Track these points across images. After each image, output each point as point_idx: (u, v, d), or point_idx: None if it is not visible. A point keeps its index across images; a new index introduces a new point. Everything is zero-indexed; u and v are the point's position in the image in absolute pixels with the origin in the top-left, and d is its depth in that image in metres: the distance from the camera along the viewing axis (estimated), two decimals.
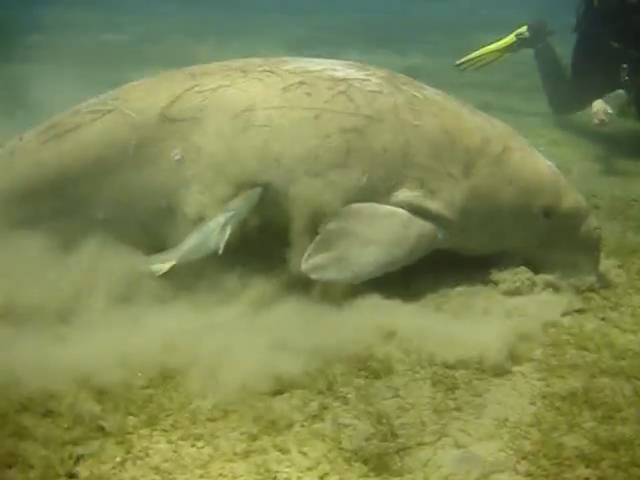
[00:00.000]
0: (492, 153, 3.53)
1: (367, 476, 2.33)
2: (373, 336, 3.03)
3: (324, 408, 2.63)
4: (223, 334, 2.93)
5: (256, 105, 3.36)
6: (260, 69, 3.50)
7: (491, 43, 7.45)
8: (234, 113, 3.34)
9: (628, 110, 6.01)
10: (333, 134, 3.34)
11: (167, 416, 2.54)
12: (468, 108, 3.71)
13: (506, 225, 3.58)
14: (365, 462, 2.38)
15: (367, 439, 2.48)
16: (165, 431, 2.47)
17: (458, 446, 2.48)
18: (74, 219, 3.29)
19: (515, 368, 2.97)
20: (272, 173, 3.30)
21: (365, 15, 14.74)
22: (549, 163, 3.74)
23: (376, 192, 3.39)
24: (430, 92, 3.65)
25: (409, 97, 3.52)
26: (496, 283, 3.53)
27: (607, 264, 3.88)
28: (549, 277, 3.58)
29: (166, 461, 2.33)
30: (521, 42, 7.24)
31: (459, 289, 3.44)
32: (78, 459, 2.29)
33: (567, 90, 6.89)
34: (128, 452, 2.35)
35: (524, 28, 7.24)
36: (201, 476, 2.28)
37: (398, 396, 2.74)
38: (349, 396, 2.71)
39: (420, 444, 2.49)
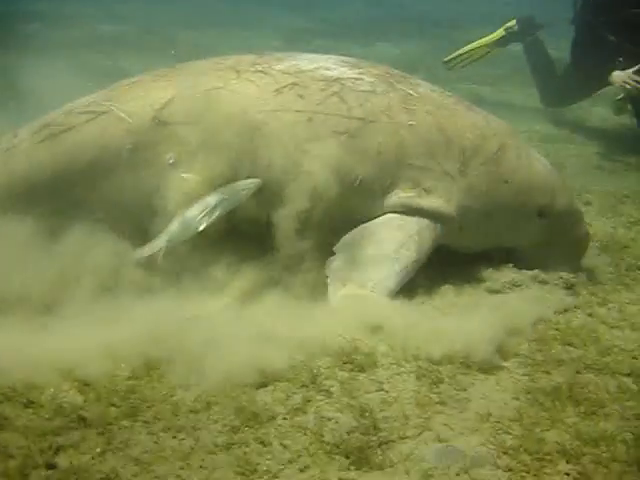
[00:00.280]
0: (488, 151, 3.52)
1: (348, 469, 2.33)
2: (359, 330, 3.02)
3: (307, 401, 2.63)
4: (209, 325, 2.93)
5: (249, 108, 3.34)
6: (253, 69, 3.47)
7: (480, 38, 7.42)
8: (227, 117, 3.31)
9: (623, 106, 5.99)
10: (326, 137, 3.31)
11: (149, 407, 2.53)
12: (464, 104, 3.69)
13: (501, 223, 3.58)
14: (346, 455, 2.37)
15: (349, 432, 2.47)
16: (147, 422, 2.46)
17: (440, 440, 2.48)
18: (70, 219, 3.27)
19: (501, 363, 2.97)
20: (265, 177, 3.28)
21: (366, 8, 14.69)
22: (545, 162, 3.73)
23: (370, 194, 3.39)
24: (425, 89, 3.62)
25: (403, 95, 3.49)
26: (484, 279, 3.53)
27: (597, 260, 3.90)
28: (538, 274, 3.58)
29: (146, 452, 2.32)
30: (510, 36, 7.23)
31: (447, 284, 3.44)
32: (58, 449, 2.29)
33: (558, 83, 6.90)
34: (109, 443, 2.35)
35: (513, 22, 7.24)
36: (181, 468, 2.28)
37: (382, 390, 2.73)
38: (333, 389, 2.70)
39: (402, 438, 2.48)
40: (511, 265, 3.58)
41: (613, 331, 3.29)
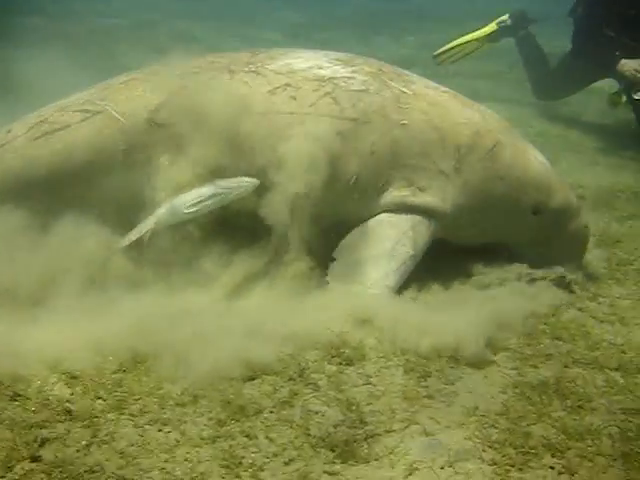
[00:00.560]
0: (483, 148, 3.51)
1: (333, 462, 2.33)
2: (348, 323, 3.02)
3: (294, 394, 2.63)
4: (197, 319, 2.92)
5: (242, 111, 3.33)
6: (247, 69, 3.46)
7: (471, 32, 7.39)
8: (220, 119, 3.30)
9: (618, 100, 5.98)
10: (319, 140, 3.28)
11: (136, 400, 2.54)
12: (460, 100, 3.67)
13: (497, 220, 3.57)
14: (332, 449, 2.37)
15: (335, 426, 2.47)
16: (133, 415, 2.46)
17: (426, 434, 2.48)
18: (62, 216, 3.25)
19: (490, 357, 2.97)
20: (259, 178, 3.27)
21: (366, 1, 14.66)
22: (542, 159, 3.71)
23: (364, 195, 3.38)
24: (420, 86, 3.60)
25: (397, 94, 3.48)
26: (476, 274, 3.53)
27: (589, 255, 3.88)
28: (531, 269, 3.57)
29: (132, 445, 2.33)
30: (503, 30, 7.21)
31: (437, 280, 3.43)
32: (43, 442, 2.29)
33: (551, 76, 6.89)
34: (94, 436, 2.35)
35: (506, 16, 7.22)
36: (166, 461, 2.28)
37: (369, 383, 2.74)
38: (320, 383, 2.70)
39: (388, 431, 2.48)
40: (502, 260, 3.58)
41: (603, 325, 3.30)
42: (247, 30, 10.54)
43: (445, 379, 2.80)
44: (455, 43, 7.31)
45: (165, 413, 2.49)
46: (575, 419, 2.56)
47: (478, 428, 2.50)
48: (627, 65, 5.84)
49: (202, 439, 2.38)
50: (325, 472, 2.29)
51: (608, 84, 6.48)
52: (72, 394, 2.54)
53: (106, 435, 2.36)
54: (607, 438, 2.45)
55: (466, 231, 3.55)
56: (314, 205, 3.24)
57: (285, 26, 11.20)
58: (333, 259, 3.33)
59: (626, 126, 6.50)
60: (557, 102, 7.16)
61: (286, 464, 2.31)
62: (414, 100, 3.49)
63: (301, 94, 3.37)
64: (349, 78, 3.47)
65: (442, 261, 3.49)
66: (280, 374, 2.73)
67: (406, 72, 3.73)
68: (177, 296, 3.06)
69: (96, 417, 2.43)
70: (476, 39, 7.24)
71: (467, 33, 7.33)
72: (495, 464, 2.33)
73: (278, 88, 3.38)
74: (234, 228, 3.29)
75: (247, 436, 2.40)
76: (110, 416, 2.45)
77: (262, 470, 2.27)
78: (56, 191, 3.31)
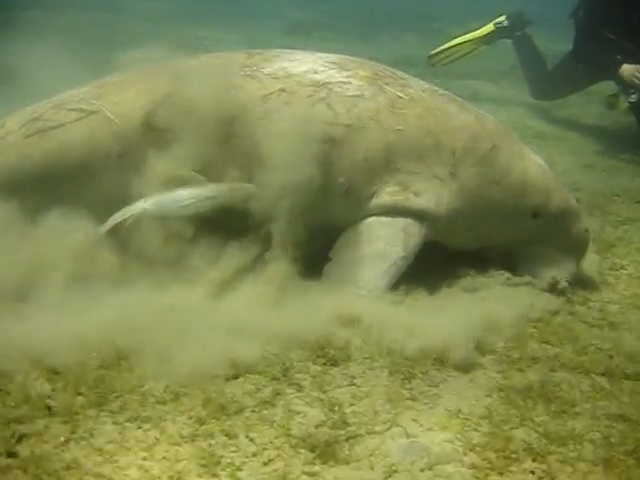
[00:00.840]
0: (479, 152, 3.49)
1: (313, 463, 2.31)
2: (334, 324, 3.01)
3: (277, 394, 2.61)
4: (183, 316, 2.92)
5: (235, 116, 3.32)
6: (242, 72, 3.44)
7: (466, 33, 7.36)
8: (214, 124, 3.29)
9: (615, 102, 5.97)
10: (312, 145, 3.27)
11: (117, 397, 2.52)
12: (457, 103, 3.64)
13: (495, 224, 3.55)
14: (312, 449, 2.36)
15: (317, 426, 2.46)
16: (113, 412, 2.45)
17: (407, 436, 2.47)
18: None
19: (477, 360, 2.95)
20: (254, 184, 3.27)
21: (366, 1, 14.64)
22: (540, 162, 3.69)
23: (357, 200, 3.37)
24: (415, 89, 3.57)
25: (392, 99, 3.46)
26: (466, 276, 3.51)
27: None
28: (524, 272, 3.57)
29: (110, 442, 2.31)
30: (499, 32, 7.19)
31: (426, 282, 3.40)
32: (21, 438, 2.27)
33: (550, 77, 6.89)
34: (73, 432, 2.33)
35: (503, 17, 7.21)
36: (144, 458, 2.26)
37: (353, 384, 2.72)
38: (303, 383, 2.69)
39: (370, 433, 2.47)
40: (493, 263, 3.57)
41: (592, 330, 3.28)
42: (249, 28, 10.53)
43: (430, 381, 2.78)
44: (451, 44, 7.28)
45: (145, 410, 2.47)
46: (558, 424, 2.54)
47: (460, 431, 2.49)
48: (627, 70, 5.82)
49: (181, 437, 2.37)
50: (304, 473, 2.27)
51: (608, 86, 6.46)
52: (53, 390, 2.53)
53: (85, 432, 2.35)
54: (589, 443, 2.44)
55: (464, 235, 3.53)
56: (305, 208, 3.23)
57: (287, 24, 11.19)
58: (329, 258, 3.33)
59: (625, 129, 6.49)
60: (557, 104, 7.16)
61: (265, 464, 2.29)
62: (409, 105, 3.46)
63: (295, 99, 3.35)
64: (344, 83, 3.45)
65: (432, 263, 3.46)
66: (264, 373, 2.72)
67: (403, 75, 3.70)
68: (162, 292, 3.04)
69: (76, 413, 2.42)
70: (472, 40, 7.22)
71: (464, 34, 7.31)
72: (475, 467, 2.32)
73: (272, 93, 3.37)
74: (221, 224, 3.27)
75: (227, 435, 2.39)
76: (90, 412, 2.43)
77: (240, 470, 2.25)
78: (48, 190, 3.29)
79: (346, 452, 2.37)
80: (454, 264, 3.54)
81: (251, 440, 2.38)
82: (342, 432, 2.45)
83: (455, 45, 7.24)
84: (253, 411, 2.52)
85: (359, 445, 2.41)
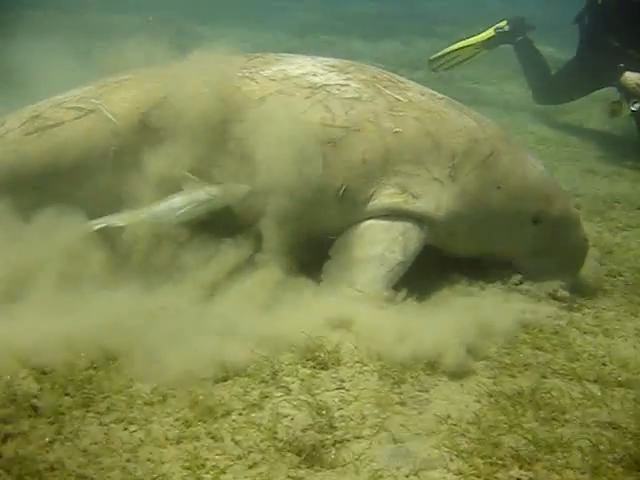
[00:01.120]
0: (479, 156, 3.47)
1: (298, 467, 2.30)
2: (325, 327, 3.00)
3: (265, 397, 2.60)
4: (173, 317, 2.91)
5: (233, 118, 3.32)
6: (240, 74, 3.45)
7: (467, 37, 7.34)
8: (211, 125, 3.29)
9: (618, 109, 5.95)
10: (310, 147, 3.27)
11: (104, 398, 2.52)
12: (456, 107, 3.63)
13: (493, 230, 3.52)
14: (298, 453, 2.34)
15: (304, 430, 2.44)
16: (99, 413, 2.45)
17: (395, 441, 2.45)
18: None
19: (470, 366, 2.94)
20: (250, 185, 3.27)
21: (378, 4, 14.64)
22: (540, 166, 3.68)
23: (355, 203, 3.36)
24: (414, 93, 3.56)
25: (390, 101, 3.45)
26: (462, 281, 3.49)
27: None
28: (522, 279, 3.54)
29: (95, 444, 2.31)
30: (500, 37, 7.17)
31: (420, 287, 3.37)
32: (6, 438, 2.27)
33: (553, 82, 6.87)
34: (58, 433, 2.33)
35: (504, 22, 7.18)
36: (128, 460, 2.26)
37: (342, 388, 2.71)
38: (292, 386, 2.68)
39: (357, 437, 2.46)
40: (488, 268, 3.55)
41: (586, 337, 3.26)
42: (256, 30, 10.53)
43: (420, 386, 2.77)
44: (451, 49, 7.26)
45: (132, 412, 2.47)
46: (547, 430, 2.52)
47: (447, 437, 2.47)
48: (630, 78, 5.80)
49: (167, 439, 2.36)
50: (289, 477, 2.26)
51: (611, 92, 6.43)
52: (40, 390, 2.53)
53: (70, 432, 2.34)
54: (577, 451, 2.42)
55: (463, 241, 3.51)
56: (301, 210, 3.22)
57: (295, 26, 11.19)
58: (326, 259, 3.32)
59: (627, 135, 6.47)
60: (559, 110, 7.14)
61: (250, 467, 2.28)
62: (408, 108, 3.45)
63: (293, 101, 3.35)
64: (342, 85, 3.45)
65: (427, 267, 3.44)
66: (253, 376, 2.71)
67: (402, 79, 3.70)
68: (153, 294, 3.03)
69: (62, 414, 2.42)
70: (473, 45, 7.20)
71: (465, 38, 7.30)
72: (461, 474, 2.30)
73: (270, 95, 3.36)
74: (214, 225, 3.26)
75: (213, 438, 2.38)
76: (76, 413, 2.43)
77: (224, 473, 2.25)
78: (46, 188, 3.30)
79: (332, 456, 2.36)
80: (449, 268, 3.51)
81: (237, 443, 2.37)
82: (329, 436, 2.44)
83: (456, 50, 7.22)
84: (240, 414, 2.52)
85: (345, 449, 2.40)
